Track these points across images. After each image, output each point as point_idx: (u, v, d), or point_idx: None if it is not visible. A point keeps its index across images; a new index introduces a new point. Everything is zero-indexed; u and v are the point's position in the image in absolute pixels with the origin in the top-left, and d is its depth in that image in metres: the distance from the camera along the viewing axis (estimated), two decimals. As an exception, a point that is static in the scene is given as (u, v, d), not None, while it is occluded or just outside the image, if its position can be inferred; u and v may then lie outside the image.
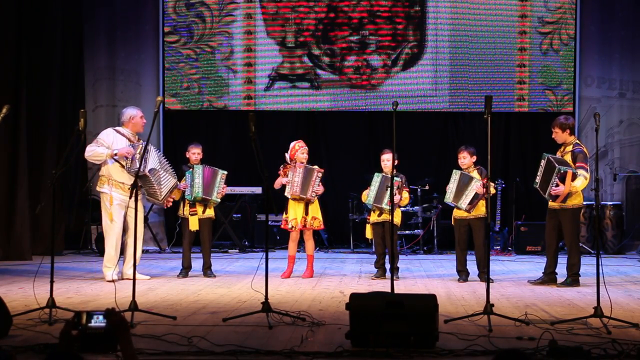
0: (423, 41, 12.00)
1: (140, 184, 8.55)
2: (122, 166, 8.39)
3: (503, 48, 12.44)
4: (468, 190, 8.56)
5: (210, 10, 12.54)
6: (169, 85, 12.68)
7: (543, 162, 8.24)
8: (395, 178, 8.61)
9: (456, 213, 8.80)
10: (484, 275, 7.93)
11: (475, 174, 8.67)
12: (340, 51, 11.79)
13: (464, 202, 8.56)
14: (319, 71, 11.90)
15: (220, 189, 8.92)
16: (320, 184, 8.90)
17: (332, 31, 11.76)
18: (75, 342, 3.35)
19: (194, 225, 8.83)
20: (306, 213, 8.89)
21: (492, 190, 8.00)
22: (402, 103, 11.60)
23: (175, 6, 12.58)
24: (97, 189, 8.63)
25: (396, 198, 8.60)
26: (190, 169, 8.86)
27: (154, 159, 8.48)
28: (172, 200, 8.80)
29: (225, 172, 9.02)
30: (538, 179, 8.30)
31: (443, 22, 12.26)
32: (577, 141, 8.35)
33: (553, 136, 8.37)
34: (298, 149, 8.97)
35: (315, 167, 9.01)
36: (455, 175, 8.71)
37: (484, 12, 12.47)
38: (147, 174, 8.36)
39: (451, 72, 12.35)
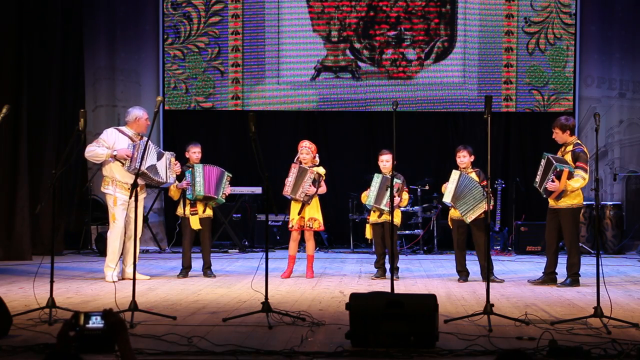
0: (453, 36, 12.64)
1: (145, 182, 8.58)
2: (123, 165, 8.40)
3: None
4: (473, 203, 8.47)
5: (197, 10, 12.63)
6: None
7: (543, 162, 8.25)
8: (396, 180, 8.63)
9: (453, 214, 8.79)
10: (491, 274, 8.00)
11: (473, 175, 8.65)
12: (378, 45, 12.60)
13: (466, 209, 8.47)
14: (359, 63, 12.65)
15: (225, 190, 8.93)
16: (312, 185, 8.81)
17: (372, 27, 12.59)
18: (72, 343, 3.35)
19: (195, 224, 8.83)
20: (299, 213, 8.86)
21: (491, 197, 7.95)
22: (434, 90, 12.55)
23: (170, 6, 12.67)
24: (102, 189, 8.64)
25: (396, 200, 8.61)
26: (190, 169, 8.85)
27: (153, 156, 8.47)
28: (177, 169, 8.72)
29: (231, 175, 9.05)
30: (538, 178, 8.30)
31: (471, 19, 12.65)
32: (578, 141, 8.35)
33: (553, 137, 8.37)
34: (300, 149, 8.98)
35: (314, 169, 8.91)
36: (454, 176, 8.65)
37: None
38: (146, 171, 8.36)
39: (480, 65, 12.68)
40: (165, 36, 12.65)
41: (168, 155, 8.61)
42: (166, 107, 12.63)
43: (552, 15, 12.53)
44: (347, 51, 12.61)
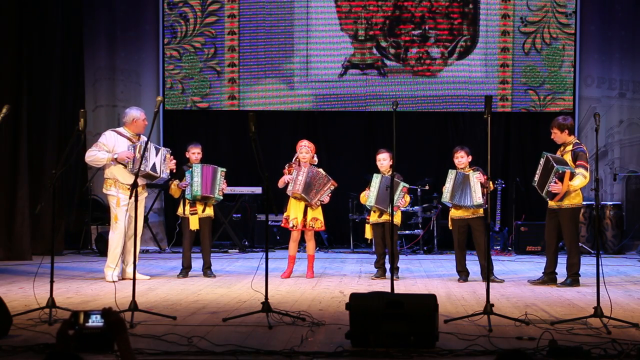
0: (476, 35, 12.79)
1: (147, 181, 8.58)
2: (125, 167, 8.40)
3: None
4: (472, 187, 8.50)
5: (194, 10, 12.66)
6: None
7: (542, 161, 8.25)
8: (403, 184, 8.65)
9: (453, 213, 8.79)
10: (492, 275, 8.03)
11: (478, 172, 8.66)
12: (404, 43, 12.80)
13: (477, 198, 8.46)
14: (385, 61, 12.81)
15: (221, 186, 8.91)
16: (329, 195, 8.94)
17: (397, 26, 12.79)
18: (72, 342, 3.34)
19: (194, 224, 8.83)
20: (305, 214, 8.88)
21: (492, 187, 7.99)
22: (457, 89, 12.69)
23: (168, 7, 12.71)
24: (104, 191, 8.65)
25: (401, 203, 8.65)
26: (190, 169, 8.86)
27: (153, 155, 8.48)
28: (173, 165, 8.72)
29: (225, 170, 9.02)
30: (537, 177, 8.30)
31: (492, 19, 12.77)
32: (577, 141, 8.36)
33: (552, 137, 8.38)
34: (299, 148, 8.99)
35: (330, 178, 8.96)
36: (451, 175, 8.70)
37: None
38: (150, 172, 8.38)
39: (500, 62, 12.77)
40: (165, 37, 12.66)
41: (164, 151, 8.62)
42: (166, 107, 12.63)
43: (549, 15, 12.53)
44: (374, 49, 12.77)
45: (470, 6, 12.71)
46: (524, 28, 12.58)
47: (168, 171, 8.64)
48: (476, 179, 8.50)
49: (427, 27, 12.72)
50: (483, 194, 8.48)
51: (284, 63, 12.74)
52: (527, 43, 12.56)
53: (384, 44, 12.73)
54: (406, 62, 12.74)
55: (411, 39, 12.72)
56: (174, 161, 8.70)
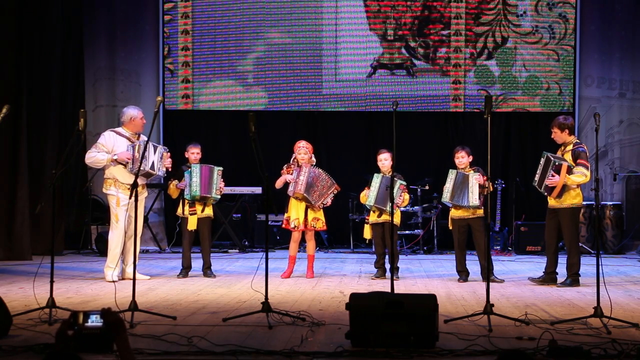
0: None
1: (146, 181, 8.57)
2: (125, 167, 8.40)
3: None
4: (471, 186, 8.51)
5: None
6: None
7: (542, 160, 8.26)
8: (400, 182, 8.65)
9: (453, 213, 8.79)
10: (492, 275, 8.04)
11: (479, 173, 8.66)
12: (432, 43, 12.83)
13: (473, 199, 8.48)
14: (414, 60, 12.84)
15: (218, 185, 8.88)
16: (332, 199, 8.97)
17: (426, 26, 12.83)
18: (71, 342, 3.34)
19: (192, 224, 8.83)
20: (306, 214, 8.88)
21: (491, 188, 8.01)
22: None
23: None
24: (104, 191, 8.65)
25: (399, 201, 8.65)
26: (189, 169, 8.86)
27: (152, 154, 8.47)
28: (169, 163, 8.72)
29: (221, 168, 8.99)
30: (537, 177, 8.30)
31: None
32: (577, 140, 8.36)
33: (552, 136, 8.38)
34: (297, 149, 8.99)
35: (334, 182, 9.00)
36: (452, 175, 8.71)
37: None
38: (150, 171, 8.38)
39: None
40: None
41: (161, 149, 8.62)
42: (166, 107, 12.63)
43: (500, 17, 12.56)
44: (402, 49, 12.79)
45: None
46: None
47: (164, 169, 8.64)
48: (475, 180, 8.51)
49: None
50: (481, 195, 8.49)
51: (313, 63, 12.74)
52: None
53: (412, 44, 12.74)
54: (435, 63, 12.73)
55: (440, 39, 12.70)
56: (170, 160, 8.68)
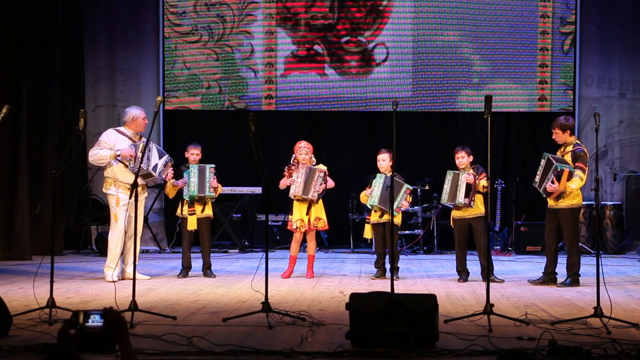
0: None
1: (146, 181, 8.57)
2: (126, 166, 8.40)
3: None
4: (459, 186, 8.56)
5: (231, 9, 12.67)
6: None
7: (543, 162, 8.26)
8: (406, 185, 8.66)
9: (455, 213, 8.79)
10: (492, 275, 8.04)
11: (471, 172, 8.66)
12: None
13: (459, 197, 8.55)
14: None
15: (210, 182, 8.83)
16: (323, 182, 8.87)
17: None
18: (73, 342, 3.34)
19: (191, 224, 8.83)
20: (307, 214, 8.88)
21: (485, 183, 8.01)
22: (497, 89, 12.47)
23: (195, 5, 12.67)
24: (104, 190, 8.64)
25: (405, 205, 8.67)
26: (188, 169, 8.86)
27: (156, 155, 8.49)
28: (170, 174, 8.73)
29: (213, 165, 8.93)
30: (537, 178, 8.31)
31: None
32: (578, 141, 8.36)
33: (553, 137, 8.38)
34: (298, 150, 8.99)
35: (319, 166, 8.97)
36: (449, 176, 8.72)
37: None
38: (151, 171, 8.38)
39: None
40: (199, 35, 12.62)
41: (166, 158, 8.62)
42: (166, 107, 12.63)
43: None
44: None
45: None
46: (563, 28, 12.54)
47: (164, 176, 8.65)
48: (464, 178, 8.52)
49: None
50: (471, 193, 8.50)
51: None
52: (565, 44, 12.53)
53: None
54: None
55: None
56: (171, 171, 8.70)
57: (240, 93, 12.71)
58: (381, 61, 12.70)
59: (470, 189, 8.52)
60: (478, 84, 12.60)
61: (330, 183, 8.97)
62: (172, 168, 8.72)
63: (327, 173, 8.95)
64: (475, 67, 12.62)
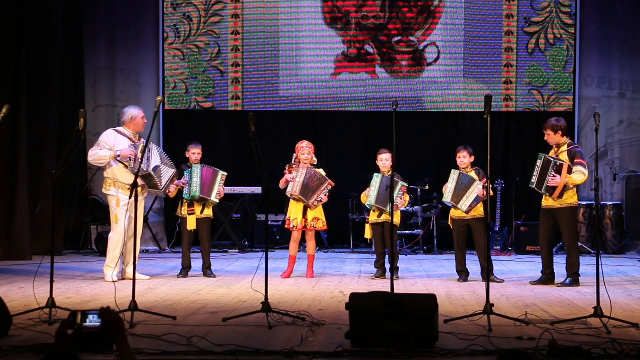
0: None
1: (144, 182, 8.57)
2: (126, 167, 8.40)
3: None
4: (469, 193, 8.55)
5: (197, 10, 12.65)
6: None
7: (539, 162, 8.26)
8: (401, 183, 8.66)
9: (454, 213, 8.79)
10: (492, 275, 8.03)
11: (473, 174, 8.67)
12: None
13: (465, 204, 8.55)
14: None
15: (219, 189, 8.90)
16: (326, 195, 8.91)
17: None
18: (71, 342, 3.34)
19: (191, 224, 8.84)
20: (305, 214, 8.88)
21: (491, 193, 8.03)
22: (458, 89, 12.50)
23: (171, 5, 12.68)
24: (104, 191, 8.64)
25: (400, 203, 8.66)
26: (189, 169, 8.86)
27: (156, 156, 8.50)
28: (173, 189, 8.76)
29: (226, 174, 9.02)
30: (534, 179, 8.31)
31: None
32: (571, 141, 8.38)
33: (545, 138, 8.37)
34: (300, 149, 8.99)
35: (327, 178, 8.93)
36: (454, 175, 8.70)
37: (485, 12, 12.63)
38: (152, 172, 8.38)
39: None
40: (165, 35, 12.64)
41: (174, 172, 8.65)
42: (166, 107, 12.63)
43: (552, 15, 12.52)
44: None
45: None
46: (528, 28, 12.55)
47: (167, 192, 8.71)
48: (477, 190, 8.50)
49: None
50: (475, 203, 8.52)
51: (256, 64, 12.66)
52: (530, 43, 12.53)
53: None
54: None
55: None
56: (175, 187, 8.73)
57: (206, 94, 12.70)
58: (432, 61, 12.63)
59: (476, 201, 8.53)
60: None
61: (326, 199, 9.01)
62: (177, 183, 8.75)
63: (331, 184, 8.95)
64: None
